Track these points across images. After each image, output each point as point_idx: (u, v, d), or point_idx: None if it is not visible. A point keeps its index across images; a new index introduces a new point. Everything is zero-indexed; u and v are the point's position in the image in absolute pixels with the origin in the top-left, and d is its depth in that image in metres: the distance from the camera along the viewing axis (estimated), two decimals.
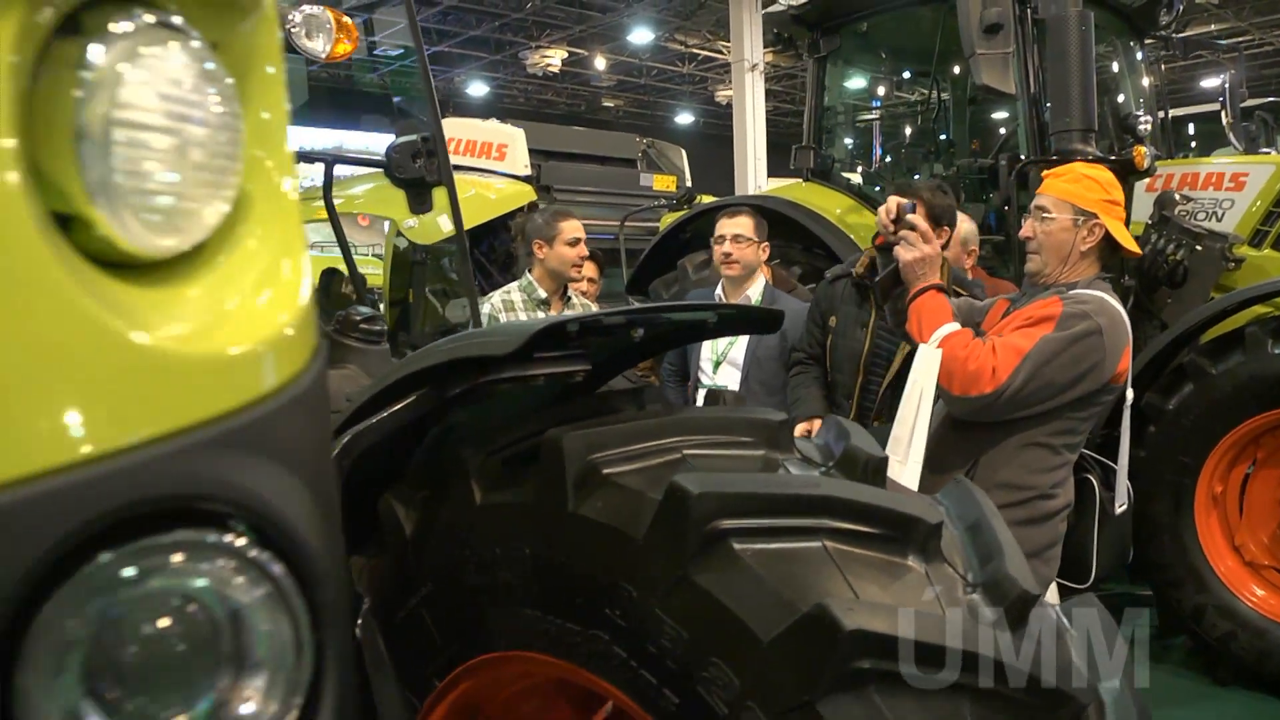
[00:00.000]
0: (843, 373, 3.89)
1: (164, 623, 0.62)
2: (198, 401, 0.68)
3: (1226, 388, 4.40)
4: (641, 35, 24.58)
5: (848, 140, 7.35)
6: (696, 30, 25.10)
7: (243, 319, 0.73)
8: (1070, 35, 5.04)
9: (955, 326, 2.89)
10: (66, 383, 0.58)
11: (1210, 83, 21.38)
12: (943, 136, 7.50)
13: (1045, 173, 3.38)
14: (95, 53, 0.70)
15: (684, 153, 12.54)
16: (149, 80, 0.74)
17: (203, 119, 0.78)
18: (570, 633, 1.49)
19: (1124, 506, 3.29)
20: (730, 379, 4.41)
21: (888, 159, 7.63)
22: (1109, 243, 3.02)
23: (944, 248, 3.80)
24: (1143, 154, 5.04)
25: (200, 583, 0.64)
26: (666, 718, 1.37)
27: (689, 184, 11.31)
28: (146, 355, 0.63)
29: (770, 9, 6.74)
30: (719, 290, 4.58)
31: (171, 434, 0.62)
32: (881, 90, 7.69)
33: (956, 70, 7.11)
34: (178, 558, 0.63)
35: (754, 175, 19.61)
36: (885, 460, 1.50)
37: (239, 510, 0.65)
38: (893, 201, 3.10)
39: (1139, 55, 6.55)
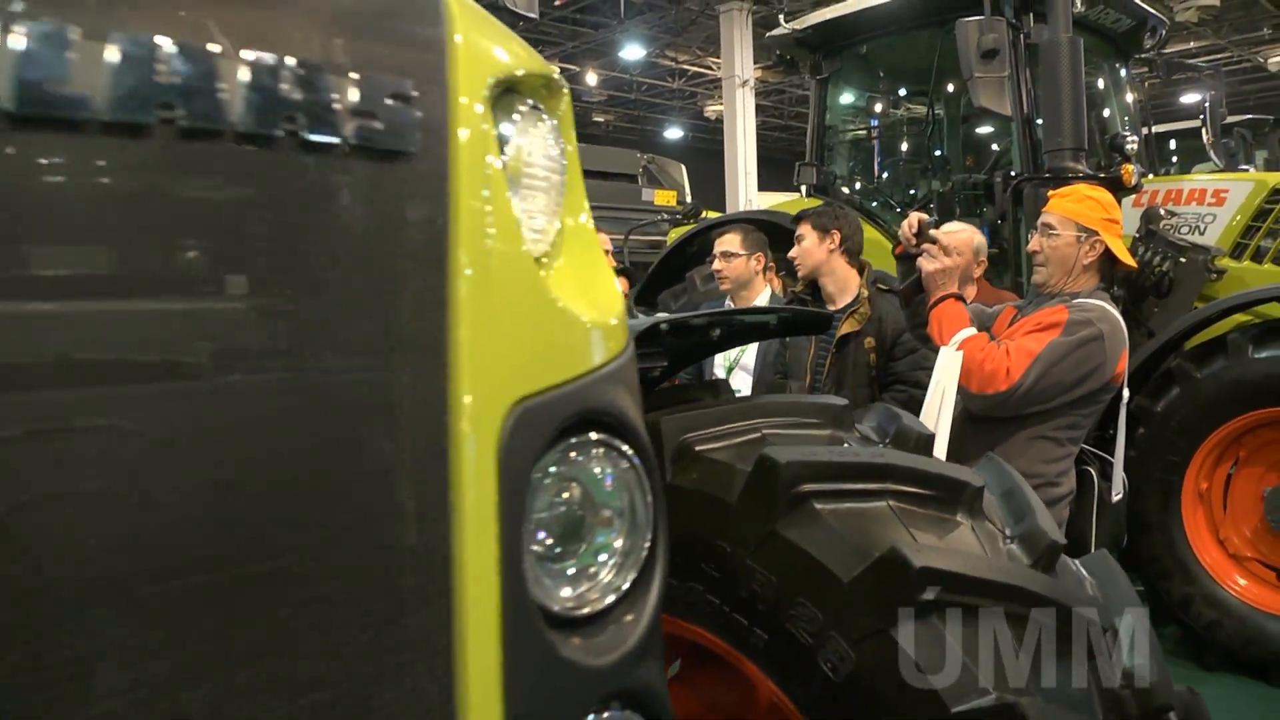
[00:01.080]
0: (794, 378, 4.24)
1: (582, 485, 0.94)
2: (600, 352, 1.03)
3: (1211, 391, 4.72)
4: (633, 51, 24.91)
5: (848, 158, 7.65)
6: (687, 46, 25.46)
7: (603, 300, 1.04)
8: (1061, 60, 5.30)
9: (972, 331, 3.21)
10: (559, 338, 0.90)
11: (1190, 98, 21.84)
12: (938, 152, 7.83)
13: (1051, 193, 3.70)
14: (508, 129, 1.03)
15: (684, 168, 12.86)
16: (534, 145, 1.06)
17: (556, 168, 1.10)
18: (669, 587, 1.78)
19: (1120, 496, 3.60)
20: (743, 383, 4.72)
21: (885, 174, 7.95)
22: (1108, 257, 3.34)
23: (841, 250, 4.26)
24: (1130, 171, 5.36)
25: (600, 462, 0.95)
26: (756, 653, 1.65)
27: (689, 199, 11.62)
28: (583, 325, 0.94)
29: (774, 32, 7.06)
30: (727, 301, 4.90)
31: (593, 370, 0.95)
32: (879, 108, 8.00)
33: (951, 89, 7.41)
34: (596, 449, 0.92)
35: (745, 189, 19.85)
36: (932, 437, 1.80)
37: (616, 421, 0.94)
38: (914, 217, 3.42)
39: (1124, 75, 6.88)
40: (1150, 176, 6.48)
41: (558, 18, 23.12)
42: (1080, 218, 3.35)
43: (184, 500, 0.57)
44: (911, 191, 7.90)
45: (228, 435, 0.59)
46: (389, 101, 0.70)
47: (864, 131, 7.82)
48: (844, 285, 4.26)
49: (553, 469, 0.90)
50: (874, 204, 7.49)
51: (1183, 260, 5.58)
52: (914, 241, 3.40)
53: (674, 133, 33.19)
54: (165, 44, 0.54)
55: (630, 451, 0.96)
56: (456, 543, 0.72)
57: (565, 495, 0.92)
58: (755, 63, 20.88)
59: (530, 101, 1.06)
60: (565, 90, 1.21)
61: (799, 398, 1.91)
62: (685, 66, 26.61)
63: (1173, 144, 12.21)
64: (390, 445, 0.68)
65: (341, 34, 0.69)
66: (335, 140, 0.66)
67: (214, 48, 0.58)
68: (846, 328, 4.13)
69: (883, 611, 1.50)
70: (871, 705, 1.51)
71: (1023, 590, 1.53)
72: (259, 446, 0.61)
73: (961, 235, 4.25)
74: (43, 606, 0.51)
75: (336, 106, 0.66)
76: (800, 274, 4.42)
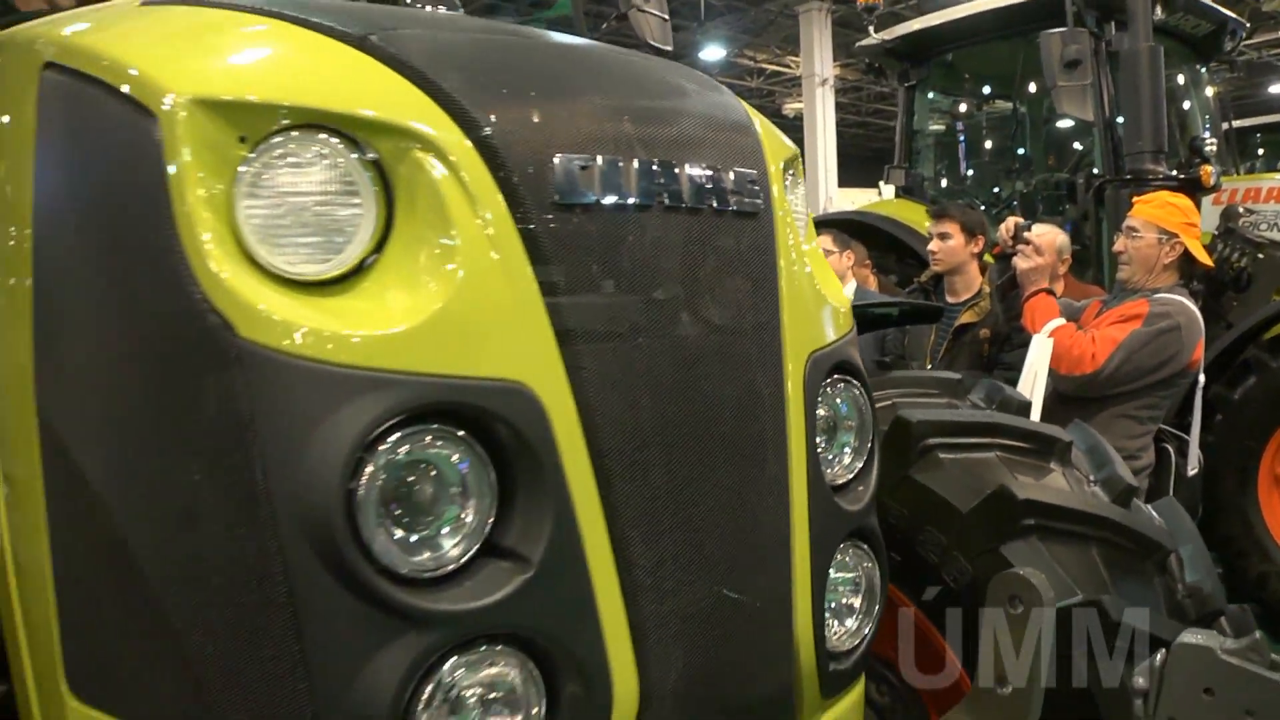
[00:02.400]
0: (915, 359, 4.63)
1: (837, 406, 1.43)
2: (844, 326, 1.43)
3: None
4: (713, 52, 25.26)
5: (934, 160, 8.00)
6: (765, 46, 25.72)
7: (838, 296, 1.49)
8: (1142, 67, 5.58)
9: (1062, 321, 3.65)
10: (825, 318, 1.42)
11: (1278, 88, 21.54)
12: (1021, 151, 8.15)
13: (1135, 199, 4.11)
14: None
15: None
16: (798, 199, 1.52)
17: (804, 212, 1.55)
18: None
19: (1195, 471, 3.99)
20: None
21: (970, 175, 8.29)
22: (1187, 256, 3.76)
23: (980, 254, 4.65)
24: (1209, 172, 5.66)
25: (845, 393, 1.42)
26: (894, 572, 2.11)
27: None
28: (835, 310, 1.43)
29: (864, 42, 7.45)
30: None
31: (841, 337, 1.41)
32: (964, 109, 8.33)
33: (1033, 89, 7.69)
34: (842, 384, 1.40)
35: (825, 186, 20.07)
36: (1029, 403, 2.24)
37: (854, 369, 1.41)
38: (1011, 222, 3.87)
39: (1204, 76, 7.12)
40: (1232, 175, 6.74)
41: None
42: (1162, 222, 3.78)
43: (695, 396, 1.07)
44: (995, 190, 8.24)
45: (707, 368, 1.10)
46: (749, 184, 1.17)
47: (950, 134, 8.16)
48: (970, 283, 4.63)
49: (822, 396, 1.36)
50: (959, 201, 7.84)
51: (1260, 256, 5.84)
52: (1010, 243, 3.84)
53: None
54: (659, 163, 1.04)
55: (859, 386, 1.41)
56: (789, 433, 1.20)
57: (827, 413, 1.37)
58: (834, 61, 21.11)
59: (792, 172, 1.51)
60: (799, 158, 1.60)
61: (921, 373, 2.36)
62: (764, 65, 26.87)
63: (1258, 136, 12.21)
64: (762, 376, 1.17)
65: (725, 148, 1.17)
66: (730, 208, 1.14)
67: (677, 163, 1.07)
68: (966, 318, 4.52)
69: (994, 534, 1.95)
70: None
71: (1103, 519, 1.97)
72: (718, 374, 1.12)
73: (1046, 236, 4.64)
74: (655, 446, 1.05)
75: (728, 188, 1.14)
76: (939, 268, 4.72)
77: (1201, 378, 3.82)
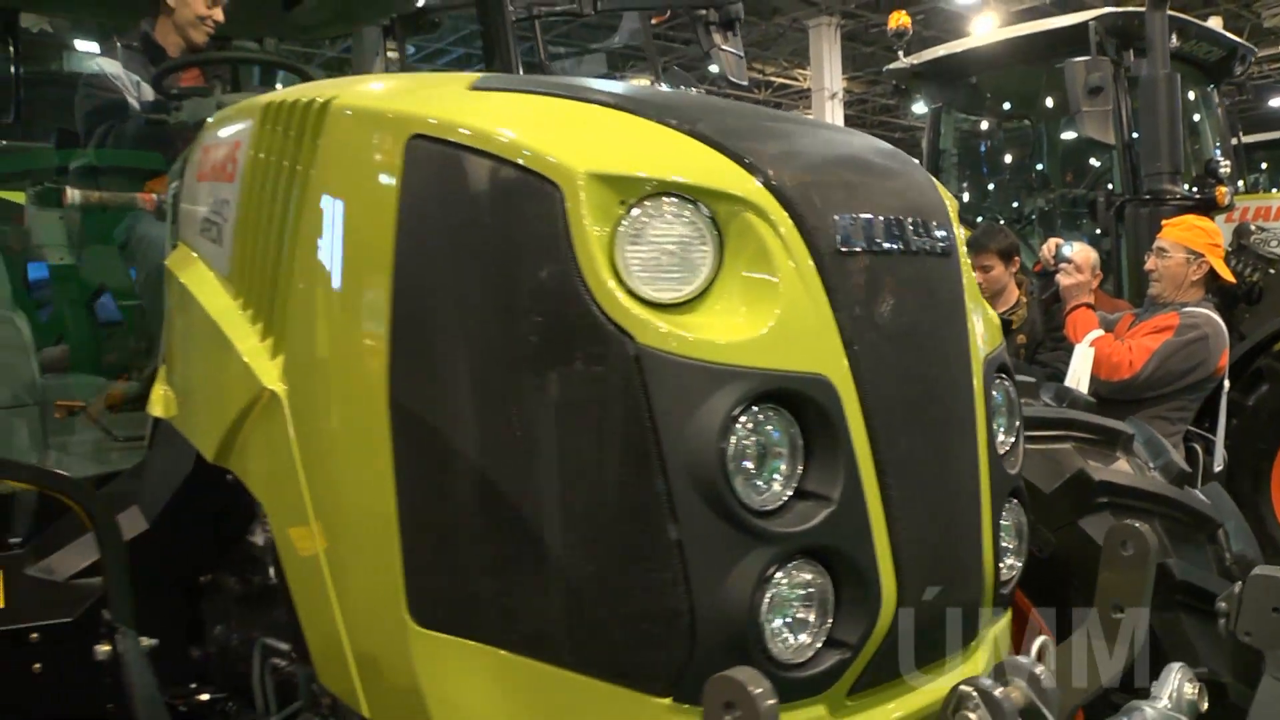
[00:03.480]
0: None
1: (1002, 395, 1.79)
2: (999, 335, 1.75)
3: None
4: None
5: (958, 177, 8.39)
6: (774, 59, 26.16)
7: (990, 312, 1.83)
8: (1160, 93, 5.96)
9: (1101, 332, 4.06)
10: (990, 328, 1.77)
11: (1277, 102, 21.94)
12: (1040, 166, 8.55)
13: (1165, 221, 4.55)
14: None
15: None
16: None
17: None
18: None
19: (1220, 467, 4.40)
20: None
21: (991, 190, 8.70)
22: (1211, 274, 4.17)
23: (1016, 272, 5.04)
24: (1223, 193, 6.07)
25: (1003, 387, 1.76)
26: None
27: None
28: (993, 322, 1.79)
29: (893, 65, 7.84)
30: None
31: (999, 344, 1.74)
32: (986, 128, 8.72)
33: (1051, 107, 8.07)
34: (1001, 380, 1.75)
35: None
36: (1094, 401, 2.63)
37: (1008, 369, 1.77)
38: (1053, 242, 4.31)
39: (1215, 98, 7.53)
40: (1242, 190, 7.14)
41: (653, 34, 23.93)
42: (1189, 242, 4.20)
43: (926, 385, 1.48)
44: (1014, 205, 8.64)
45: (933, 364, 1.50)
46: (944, 232, 1.55)
47: (974, 153, 8.56)
48: (1009, 298, 5.00)
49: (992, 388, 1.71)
50: (979, 219, 8.22)
51: (1272, 271, 6.22)
52: (1053, 262, 4.25)
53: None
54: (896, 219, 1.44)
55: (1011, 383, 1.76)
56: (977, 415, 1.57)
57: (995, 400, 1.73)
58: (842, 74, 21.55)
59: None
60: None
61: (1049, 409, 2.72)
62: (772, 78, 27.29)
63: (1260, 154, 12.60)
64: (964, 373, 1.53)
65: (929, 206, 1.55)
66: (937, 251, 1.51)
67: (906, 218, 1.47)
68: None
69: (1073, 511, 2.34)
70: (1066, 573, 2.32)
71: (1164, 497, 2.35)
72: (939, 369, 1.50)
73: (1083, 254, 5.03)
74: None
75: (934, 235, 1.51)
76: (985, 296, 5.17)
77: (1226, 383, 4.24)
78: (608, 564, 1.31)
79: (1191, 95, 7.42)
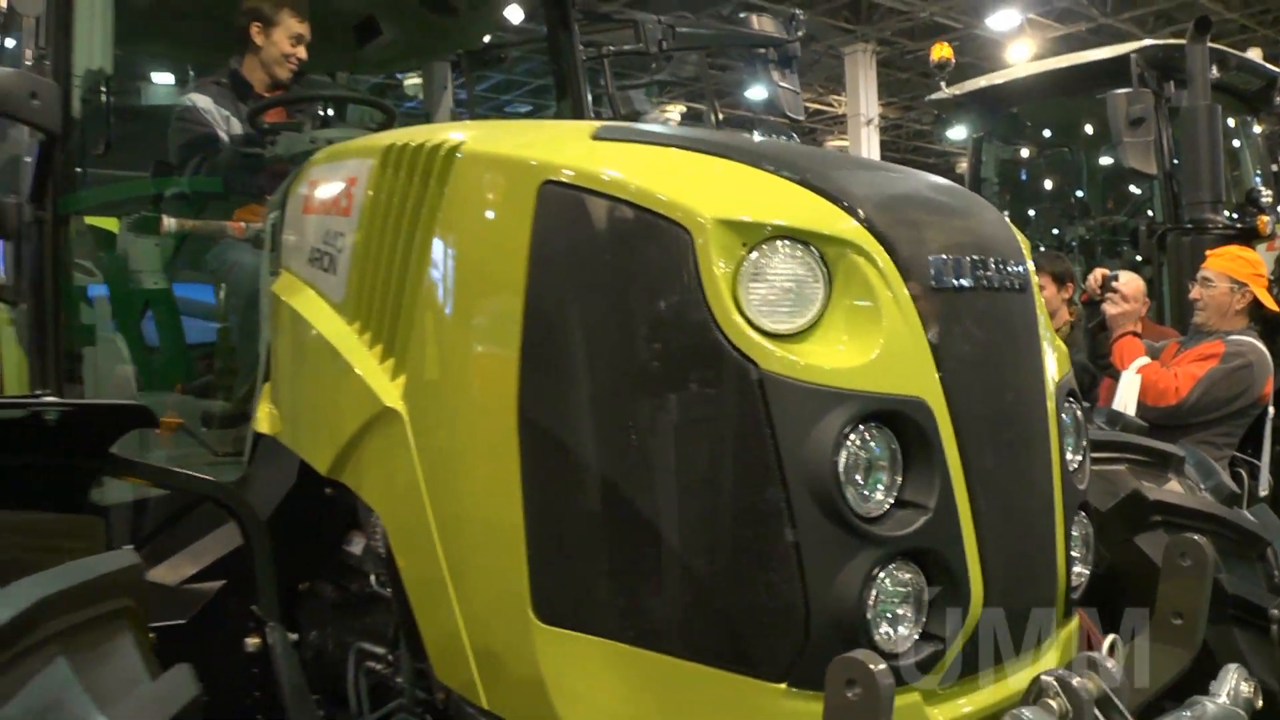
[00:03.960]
0: None
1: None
2: (1065, 363, 1.90)
3: None
4: (758, 91, 25.84)
5: (999, 205, 8.52)
6: (809, 85, 26.34)
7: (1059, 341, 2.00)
8: (1201, 124, 6.05)
9: (1147, 359, 4.19)
10: (1059, 356, 1.93)
11: None
12: (1080, 194, 8.67)
13: (1209, 252, 4.67)
14: None
15: None
16: None
17: None
18: None
19: (1265, 491, 4.52)
20: None
21: (1033, 218, 8.81)
22: (1255, 303, 4.30)
23: (1069, 300, 5.26)
24: (1265, 222, 6.16)
25: (1072, 409, 1.90)
26: None
27: None
28: (1063, 351, 1.95)
29: (935, 95, 7.99)
30: None
31: (1068, 371, 1.90)
32: (1026, 155, 8.85)
33: (1091, 133, 8.17)
34: (1069, 402, 1.91)
35: None
36: (1146, 425, 2.77)
37: (1078, 394, 1.93)
38: (1099, 273, 4.44)
39: (1256, 127, 7.63)
40: None
41: (688, 61, 24.20)
42: (1233, 273, 4.33)
43: (1007, 406, 1.63)
44: (1055, 232, 8.75)
45: (1014, 388, 1.68)
46: (1020, 270, 1.71)
47: (1015, 180, 8.69)
48: (1058, 320, 5.23)
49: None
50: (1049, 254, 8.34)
51: None
52: (1100, 292, 4.39)
53: None
54: (980, 259, 1.62)
55: (1079, 405, 1.89)
56: (1051, 434, 1.73)
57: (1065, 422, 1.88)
58: (879, 99, 21.68)
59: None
60: None
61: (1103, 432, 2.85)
62: (808, 104, 27.46)
63: None
64: (1039, 396, 1.70)
65: (1006, 247, 1.73)
66: (1015, 287, 1.68)
67: (990, 258, 1.65)
68: None
69: (1128, 528, 2.47)
70: (1121, 588, 2.45)
71: (1215, 516, 2.49)
72: (1018, 393, 1.68)
73: (1132, 284, 5.18)
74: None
75: (1012, 273, 1.68)
76: None
77: (1271, 409, 4.35)
78: (729, 564, 1.48)
79: (1231, 123, 7.52)
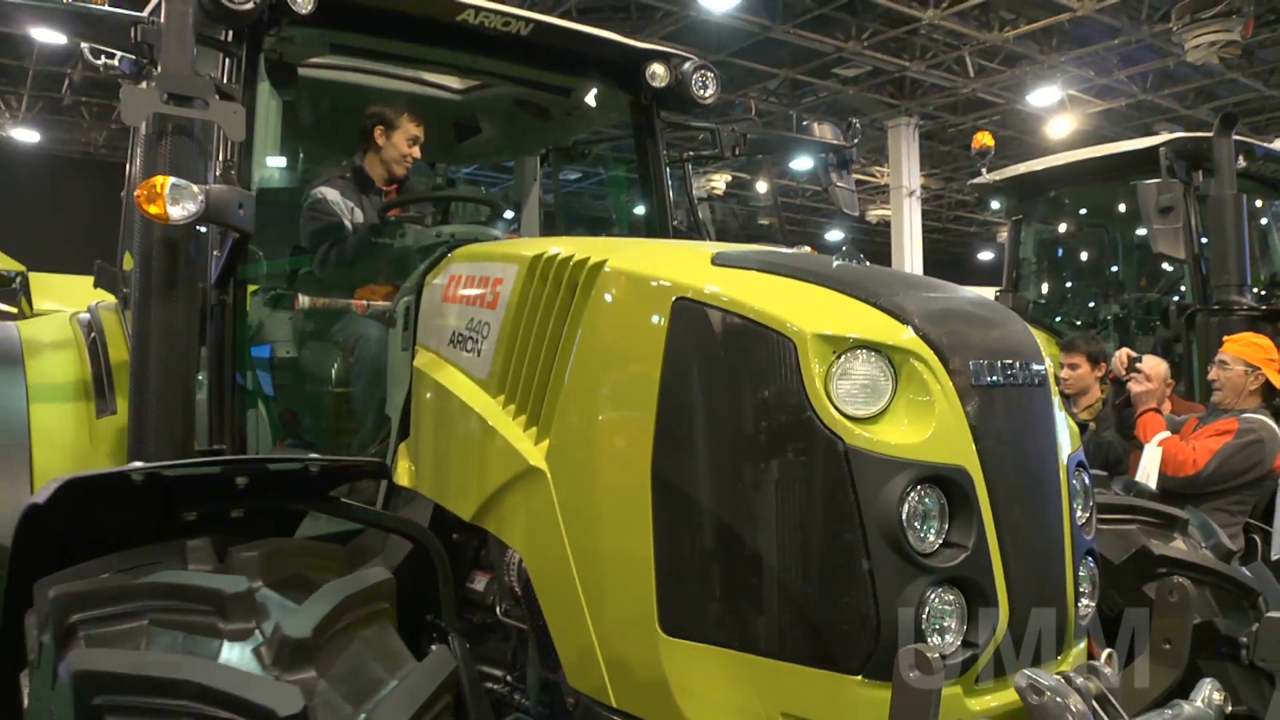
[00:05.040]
0: None
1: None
2: (1080, 440, 2.44)
3: None
4: (802, 162, 26.46)
5: (1037, 284, 9.00)
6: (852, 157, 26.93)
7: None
8: (1227, 212, 6.51)
9: (1169, 434, 4.65)
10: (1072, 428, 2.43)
11: None
12: (1114, 269, 9.12)
13: (1226, 338, 5.18)
14: None
15: None
16: None
17: None
18: None
19: (1277, 555, 4.92)
20: None
21: (1069, 296, 9.29)
22: (1268, 385, 4.78)
23: (1102, 379, 5.75)
24: None
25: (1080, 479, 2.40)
26: None
27: None
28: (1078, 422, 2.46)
29: (976, 180, 8.53)
30: None
31: (1079, 445, 2.44)
32: (1063, 234, 9.33)
33: (1124, 211, 8.63)
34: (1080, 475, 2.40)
35: None
36: (1157, 493, 3.24)
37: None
38: (1124, 354, 4.94)
39: None
40: None
41: (708, 119, 24.88)
42: (1247, 357, 4.83)
43: (1031, 473, 2.15)
44: (1090, 305, 9.20)
45: (1036, 460, 2.20)
46: (1040, 368, 2.22)
47: (1051, 260, 9.17)
48: (1090, 397, 5.84)
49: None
50: (1058, 319, 8.80)
51: None
52: (1125, 371, 4.88)
53: (834, 234, 34.63)
54: (1009, 362, 2.14)
55: (1088, 474, 2.38)
56: (1064, 496, 2.23)
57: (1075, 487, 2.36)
58: (920, 170, 22.19)
59: None
60: None
61: (1119, 497, 3.33)
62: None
63: None
64: (1055, 467, 2.21)
65: (1030, 350, 2.24)
66: (1036, 383, 2.19)
67: (1019, 360, 2.17)
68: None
69: (1138, 579, 2.94)
70: (1129, 630, 2.91)
71: (1214, 569, 2.96)
72: (1038, 464, 2.20)
73: (1155, 367, 5.65)
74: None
75: (1034, 371, 2.19)
76: (1069, 392, 5.89)
77: None
78: (819, 586, 2.00)
79: (1259, 203, 7.96)
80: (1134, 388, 5.03)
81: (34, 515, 2.17)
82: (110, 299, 4.74)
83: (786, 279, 2.25)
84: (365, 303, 4.34)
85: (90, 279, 4.71)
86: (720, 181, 27.69)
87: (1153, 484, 4.46)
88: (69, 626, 1.83)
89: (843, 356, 2.03)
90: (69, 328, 4.60)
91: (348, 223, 4.52)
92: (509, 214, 5.36)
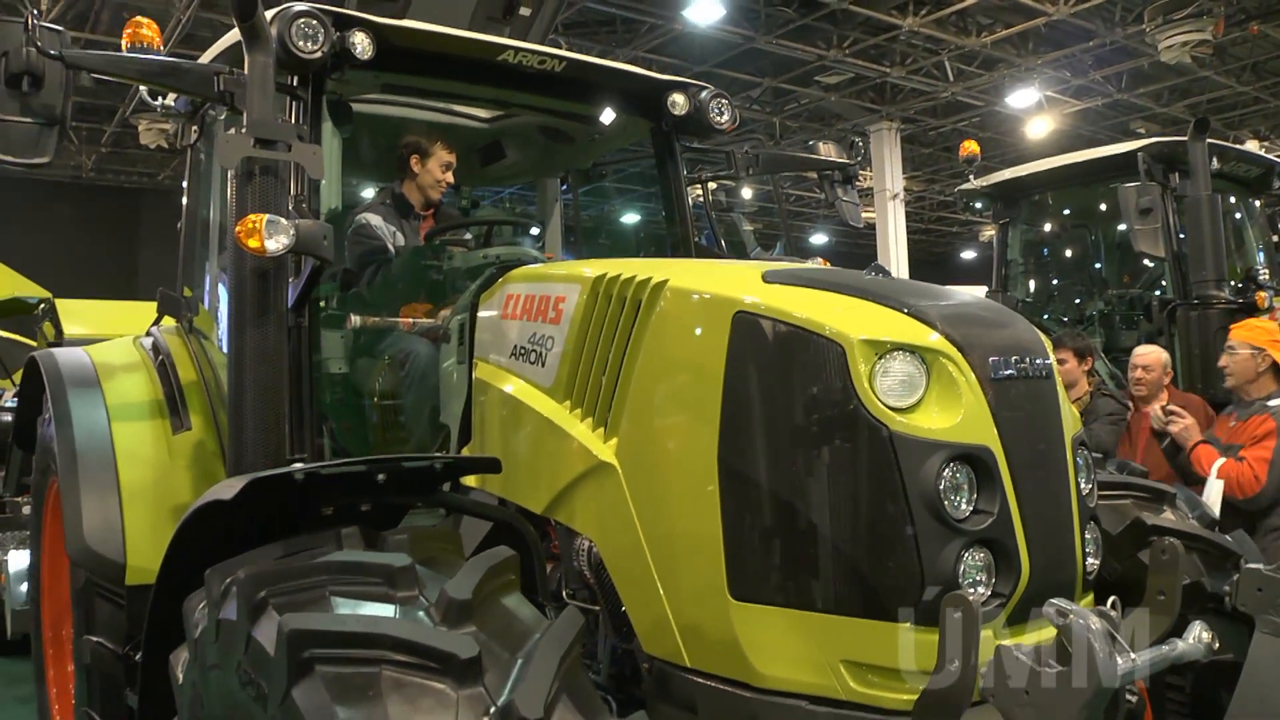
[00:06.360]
0: None
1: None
2: (1080, 423, 2.84)
3: None
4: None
5: (1024, 283, 9.39)
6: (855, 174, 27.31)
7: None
8: (1203, 212, 6.92)
9: (1223, 459, 5.02)
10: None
11: None
12: (1098, 265, 9.52)
13: (1233, 326, 5.73)
14: None
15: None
16: None
17: None
18: None
19: None
20: None
21: (1055, 295, 9.70)
22: (1275, 366, 5.23)
23: (1089, 373, 6.15)
24: (1263, 297, 6.98)
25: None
26: None
27: None
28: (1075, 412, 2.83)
29: (964, 186, 8.94)
30: None
31: (1080, 427, 2.82)
32: (1048, 235, 9.73)
33: (1105, 210, 9.02)
34: (1081, 449, 2.77)
35: None
36: (1146, 470, 3.64)
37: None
38: (1156, 407, 5.49)
39: (1258, 206, 8.49)
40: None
41: (722, 141, 25.32)
42: (1252, 340, 5.28)
43: (1043, 448, 2.53)
44: (1076, 302, 9.60)
45: (1047, 438, 2.60)
46: (1046, 362, 2.59)
47: (1037, 261, 9.58)
48: (1079, 390, 6.18)
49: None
50: (1045, 317, 9.19)
51: None
52: (1164, 419, 5.34)
53: (819, 238, 35.07)
54: (1022, 357, 2.56)
55: (1089, 451, 2.75)
56: (1070, 469, 2.60)
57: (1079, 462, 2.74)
58: (903, 173, 22.57)
59: None
60: None
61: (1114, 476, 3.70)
62: None
63: None
64: (1062, 445, 2.60)
65: (1036, 346, 2.62)
66: (1042, 375, 2.55)
67: (1029, 356, 2.57)
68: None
69: (1133, 547, 3.33)
70: (1128, 587, 3.27)
71: (1200, 536, 3.37)
72: (1049, 441, 2.60)
73: (1153, 355, 6.04)
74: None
75: (1041, 364, 2.57)
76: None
77: None
78: (870, 550, 2.39)
79: (1234, 200, 8.36)
80: (1175, 429, 5.30)
81: (206, 511, 2.53)
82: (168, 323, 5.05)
83: (829, 292, 2.64)
84: (411, 320, 4.67)
85: (112, 303, 5.01)
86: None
87: (1217, 512, 4.47)
88: (259, 601, 2.18)
89: (884, 357, 2.42)
90: (135, 351, 4.93)
91: (390, 246, 4.86)
92: (535, 230, 5.72)
